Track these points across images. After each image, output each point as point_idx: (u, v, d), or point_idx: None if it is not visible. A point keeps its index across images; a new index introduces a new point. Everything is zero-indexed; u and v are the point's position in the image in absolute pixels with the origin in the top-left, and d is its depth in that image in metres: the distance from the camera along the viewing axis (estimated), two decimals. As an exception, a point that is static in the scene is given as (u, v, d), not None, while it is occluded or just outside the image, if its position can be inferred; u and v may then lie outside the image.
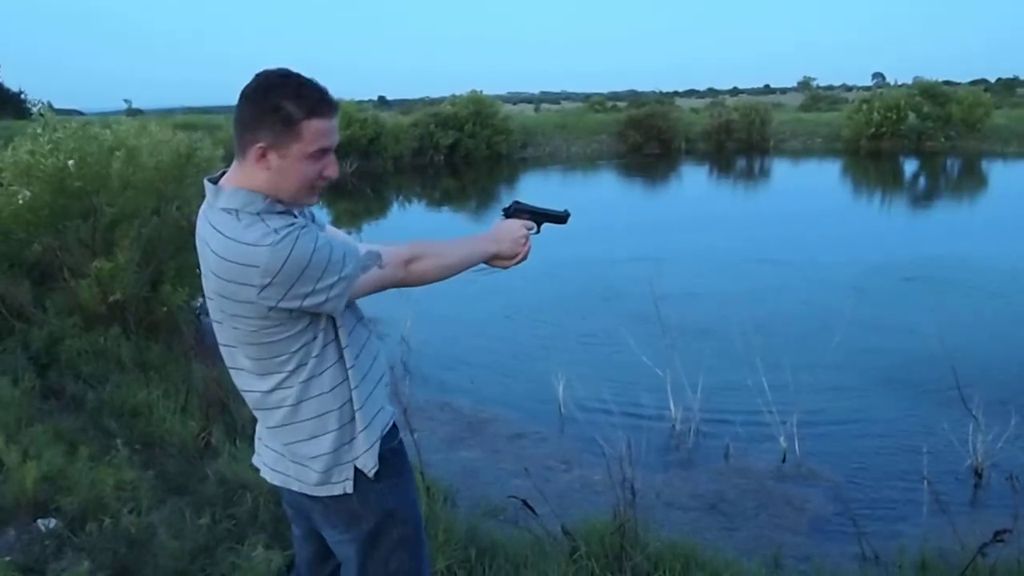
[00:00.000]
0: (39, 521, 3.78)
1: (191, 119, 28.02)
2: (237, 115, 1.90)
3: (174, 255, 6.99)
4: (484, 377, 7.23)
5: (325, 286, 1.85)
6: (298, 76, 1.89)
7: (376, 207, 21.23)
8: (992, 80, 63.69)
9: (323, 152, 1.91)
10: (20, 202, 6.37)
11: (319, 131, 1.88)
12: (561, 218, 2.40)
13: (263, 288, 1.81)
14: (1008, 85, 62.61)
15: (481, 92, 30.73)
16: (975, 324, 8.61)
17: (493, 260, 2.31)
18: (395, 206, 21.75)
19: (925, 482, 4.77)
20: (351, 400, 2.03)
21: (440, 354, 7.72)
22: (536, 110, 53.84)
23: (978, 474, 5.28)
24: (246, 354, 1.98)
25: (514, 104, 59.53)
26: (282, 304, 1.84)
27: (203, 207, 1.97)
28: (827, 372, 6.86)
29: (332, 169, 1.95)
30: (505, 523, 4.36)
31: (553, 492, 4.81)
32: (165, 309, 6.69)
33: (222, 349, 2.08)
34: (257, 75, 1.90)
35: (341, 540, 2.13)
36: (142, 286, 6.65)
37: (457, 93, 30.61)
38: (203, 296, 5.68)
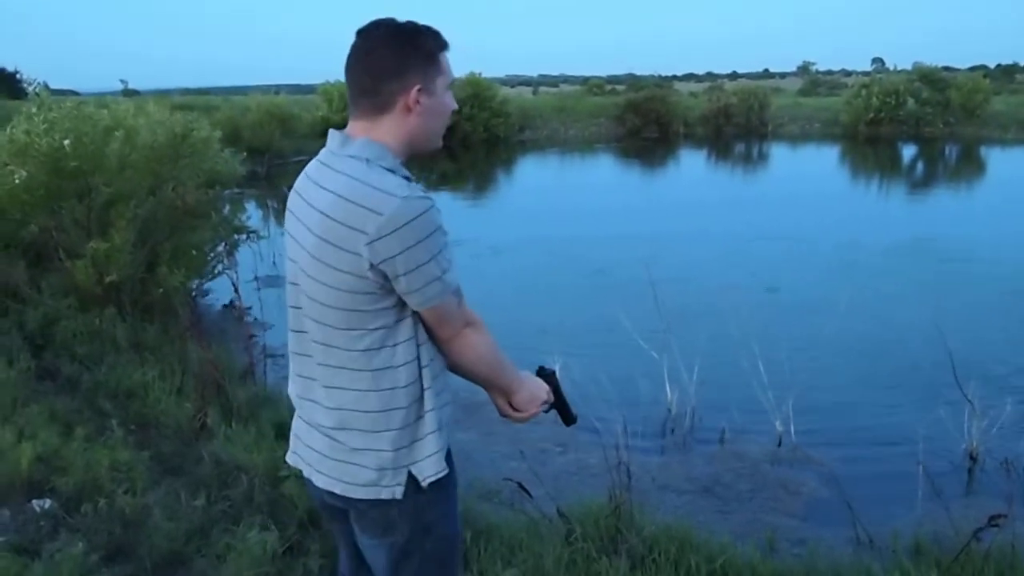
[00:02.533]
0: (34, 502, 3.79)
1: (188, 100, 27.95)
2: (368, 69, 1.86)
3: (170, 236, 6.98)
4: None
5: (425, 274, 1.77)
6: (397, 19, 1.90)
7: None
8: (991, 66, 63.59)
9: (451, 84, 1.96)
10: (16, 182, 6.35)
11: (448, 62, 1.94)
12: (570, 419, 2.27)
13: (376, 240, 1.72)
14: (1007, 71, 62.50)
15: (479, 75, 30.63)
16: (972, 308, 8.62)
17: (510, 396, 2.11)
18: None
19: (920, 466, 4.78)
20: (422, 400, 1.91)
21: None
22: (534, 93, 53.62)
23: (973, 458, 5.29)
24: (322, 317, 1.87)
25: (512, 87, 59.25)
26: (383, 266, 1.74)
27: (322, 155, 1.91)
28: (823, 356, 6.87)
29: (454, 101, 1.99)
30: (500, 506, 4.36)
31: (549, 475, 4.81)
32: (161, 290, 6.67)
33: (293, 313, 1.98)
34: (371, 27, 1.87)
35: (373, 545, 2.02)
36: (138, 267, 6.63)
37: (455, 75, 30.40)
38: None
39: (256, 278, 7.81)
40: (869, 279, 10.02)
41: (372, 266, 1.75)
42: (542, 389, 2.17)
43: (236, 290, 5.92)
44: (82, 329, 6.14)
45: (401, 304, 1.84)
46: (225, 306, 8.51)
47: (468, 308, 1.96)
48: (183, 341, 6.16)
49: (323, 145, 1.94)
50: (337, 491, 1.97)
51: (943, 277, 10.11)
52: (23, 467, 3.94)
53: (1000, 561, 3.48)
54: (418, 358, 1.89)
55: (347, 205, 1.75)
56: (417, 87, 1.85)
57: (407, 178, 1.83)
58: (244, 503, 3.90)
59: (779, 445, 5.59)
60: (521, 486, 3.88)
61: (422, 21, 1.91)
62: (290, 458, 2.13)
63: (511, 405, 2.12)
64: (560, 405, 2.23)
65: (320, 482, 2.00)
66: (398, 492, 1.91)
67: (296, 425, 2.10)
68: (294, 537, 3.57)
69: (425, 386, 1.91)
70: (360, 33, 1.88)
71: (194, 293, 8.04)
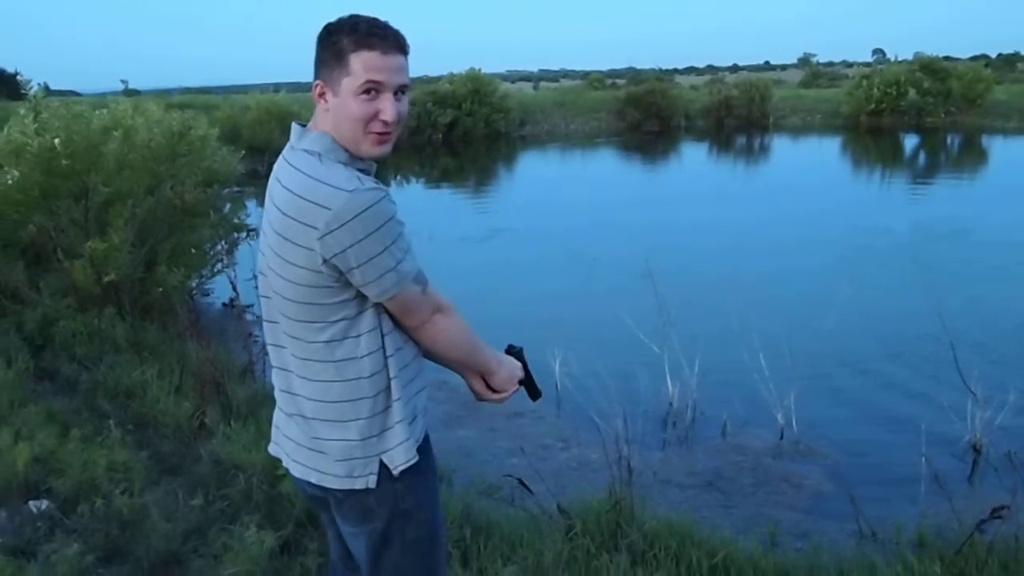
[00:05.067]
0: (31, 503, 3.77)
1: (188, 99, 27.93)
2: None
3: (169, 235, 6.96)
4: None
5: (378, 266, 1.77)
6: (361, 15, 1.86)
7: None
8: (993, 55, 63.40)
9: (373, 88, 1.82)
10: (9, 183, 6.32)
11: (368, 63, 1.81)
12: (537, 394, 2.29)
13: (326, 234, 1.73)
14: (1008, 60, 62.30)
15: (479, 70, 30.60)
16: (974, 299, 8.57)
17: (488, 377, 2.12)
18: (393, 185, 21.63)
19: (923, 459, 4.74)
20: (388, 389, 1.92)
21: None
22: (535, 88, 53.57)
23: (976, 450, 5.26)
24: (287, 311, 1.89)
25: (513, 82, 59.26)
26: (336, 260, 1.75)
27: (285, 149, 1.93)
28: (825, 348, 6.83)
29: (388, 111, 1.84)
30: (501, 502, 4.34)
31: (549, 470, 4.79)
32: (160, 290, 6.65)
33: (264, 303, 2.00)
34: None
35: (353, 533, 2.04)
36: (137, 266, 6.61)
37: (455, 71, 30.47)
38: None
39: (256, 276, 7.77)
40: (871, 269, 9.98)
41: (325, 261, 1.77)
42: (516, 367, 2.19)
43: (235, 288, 5.90)
44: (81, 329, 6.12)
45: (361, 296, 1.85)
46: (225, 304, 8.48)
47: (436, 294, 1.95)
48: (182, 340, 6.15)
49: None
50: (313, 480, 2.00)
51: (946, 267, 10.06)
52: (20, 468, 3.92)
53: (1004, 553, 3.45)
54: (383, 347, 1.91)
55: (299, 201, 1.77)
56: (318, 83, 1.87)
57: (362, 171, 1.84)
58: (242, 502, 3.88)
59: (781, 438, 5.57)
60: (521, 482, 3.86)
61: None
62: (271, 448, 2.16)
63: (489, 387, 2.14)
64: (528, 382, 2.24)
65: (296, 471, 2.04)
66: (371, 481, 1.94)
67: (276, 415, 2.12)
68: (291, 536, 3.55)
69: (392, 375, 1.92)
70: None
71: (193, 292, 8.01)
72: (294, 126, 1.93)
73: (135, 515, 3.68)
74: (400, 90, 1.87)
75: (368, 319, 1.87)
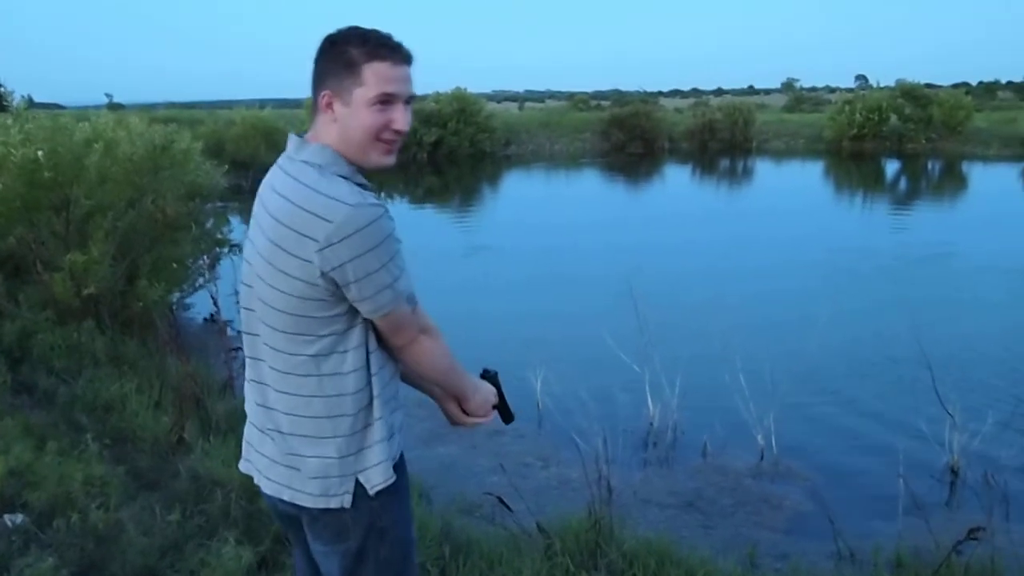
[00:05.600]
0: (5, 516, 3.71)
1: (173, 114, 27.89)
2: (312, 73, 1.89)
3: (150, 248, 6.92)
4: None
5: (376, 282, 1.76)
6: (366, 28, 1.88)
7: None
8: (973, 83, 64.18)
9: (387, 99, 1.84)
10: (-10, 194, 6.29)
11: (381, 74, 1.82)
12: (510, 417, 2.30)
13: (326, 247, 1.72)
14: (989, 88, 63.17)
15: (465, 89, 30.72)
16: (953, 323, 8.65)
17: (463, 401, 2.14)
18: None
19: (901, 480, 4.76)
20: (369, 408, 1.90)
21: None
22: (520, 108, 53.77)
23: (954, 472, 5.29)
24: (273, 322, 1.86)
25: (498, 102, 59.47)
26: (334, 273, 1.74)
27: (280, 159, 1.90)
28: (806, 371, 6.86)
29: (400, 121, 1.86)
30: (480, 520, 4.33)
31: (529, 489, 4.78)
32: (141, 304, 6.61)
33: (246, 316, 1.96)
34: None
35: (325, 552, 2.00)
36: (117, 280, 6.57)
37: (441, 90, 30.59)
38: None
39: (238, 291, 7.75)
40: (852, 293, 10.06)
41: (323, 273, 1.75)
42: (491, 392, 2.20)
43: (216, 303, 5.87)
44: (60, 342, 6.07)
45: (352, 311, 1.84)
46: (206, 319, 8.45)
47: (424, 314, 1.95)
48: (162, 355, 6.11)
49: None
50: (285, 497, 1.96)
51: (926, 291, 10.14)
52: (-5, 482, 3.87)
53: (980, 574, 3.48)
54: (367, 365, 1.89)
55: (297, 211, 1.76)
56: (326, 92, 1.85)
57: (361, 185, 1.83)
58: (220, 518, 3.85)
59: (761, 459, 5.58)
60: (501, 500, 3.85)
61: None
62: (242, 465, 2.11)
63: (463, 411, 2.15)
64: (502, 406, 2.25)
65: (269, 488, 2.00)
66: (346, 500, 1.91)
67: (248, 431, 2.08)
68: (269, 552, 3.53)
69: (375, 394, 1.90)
70: None
71: (174, 306, 7.97)
72: (291, 136, 1.92)
73: (111, 530, 3.64)
74: (408, 100, 1.89)
75: (356, 335, 1.86)
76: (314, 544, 2.03)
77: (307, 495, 1.92)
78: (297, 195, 1.77)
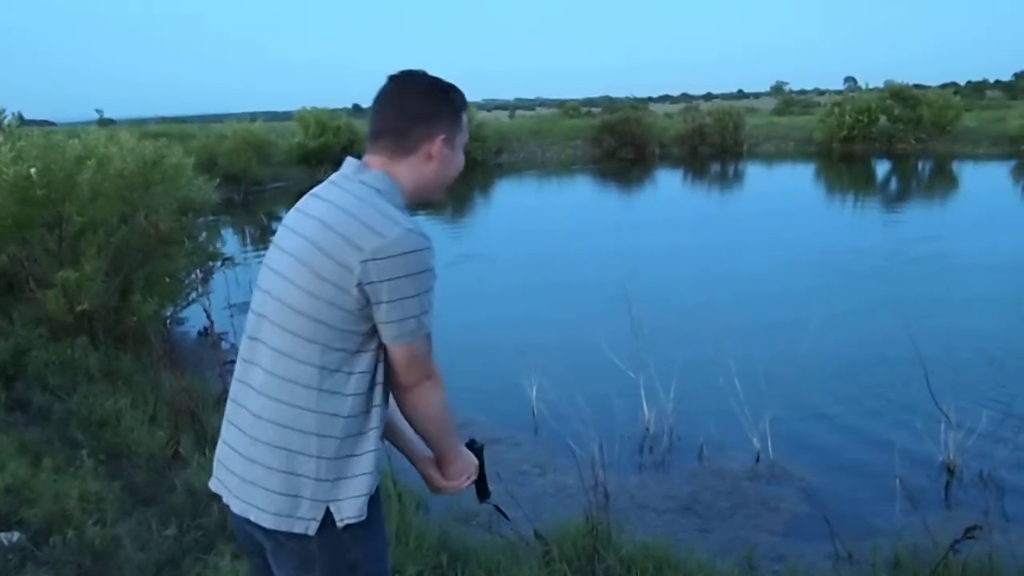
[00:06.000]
0: (1, 535, 3.70)
1: (164, 128, 27.87)
2: (401, 111, 1.94)
3: (143, 264, 6.92)
4: (456, 382, 7.14)
5: (407, 308, 1.78)
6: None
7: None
8: (962, 83, 64.44)
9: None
10: (-18, 212, 6.29)
11: (467, 123, 2.04)
12: (485, 494, 2.28)
13: (370, 260, 1.73)
14: (977, 88, 63.44)
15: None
16: (946, 322, 8.68)
17: (445, 464, 2.09)
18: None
19: (898, 480, 4.79)
20: (361, 437, 1.85)
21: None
22: (511, 116, 53.86)
23: (950, 471, 5.30)
24: (286, 322, 1.82)
25: (489, 111, 59.49)
26: (369, 288, 1.75)
27: (336, 176, 1.93)
28: (799, 372, 6.88)
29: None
30: (478, 528, 4.33)
31: (526, 496, 4.77)
32: (134, 319, 6.61)
33: (253, 320, 1.91)
34: (407, 73, 1.98)
35: None
36: (110, 296, 6.57)
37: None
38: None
39: (231, 305, 7.75)
40: (845, 294, 10.08)
41: (359, 284, 1.75)
42: (473, 463, 2.15)
43: (209, 317, 5.87)
44: (54, 359, 6.06)
45: (367, 335, 1.82)
46: (200, 333, 8.43)
47: (433, 363, 1.93)
48: (156, 369, 6.10)
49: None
50: (251, 518, 1.86)
51: (919, 291, 10.17)
52: (-9, 500, 3.87)
53: (978, 572, 3.49)
54: (371, 394, 1.86)
55: (349, 219, 1.78)
56: (443, 137, 1.94)
57: (408, 217, 1.87)
58: (217, 531, 3.84)
59: (757, 461, 5.59)
60: (498, 508, 3.83)
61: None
62: (212, 484, 2.02)
63: (442, 474, 2.10)
64: (480, 480, 2.22)
65: (236, 508, 1.90)
66: (311, 527, 1.83)
67: (220, 450, 2.00)
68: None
69: (373, 425, 1.87)
70: (395, 78, 1.96)
71: (168, 321, 7.97)
72: (350, 159, 1.95)
73: (108, 546, 3.64)
74: None
75: (365, 361, 1.83)
76: (278, 572, 1.93)
77: (271, 515, 1.83)
78: (352, 205, 1.81)
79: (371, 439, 1.87)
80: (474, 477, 2.17)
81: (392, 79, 1.96)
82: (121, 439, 4.95)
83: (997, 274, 10.85)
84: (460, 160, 2.04)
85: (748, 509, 5.02)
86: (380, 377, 1.87)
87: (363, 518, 1.86)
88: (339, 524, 1.84)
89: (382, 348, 1.85)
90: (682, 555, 3.80)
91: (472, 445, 2.19)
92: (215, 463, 2.02)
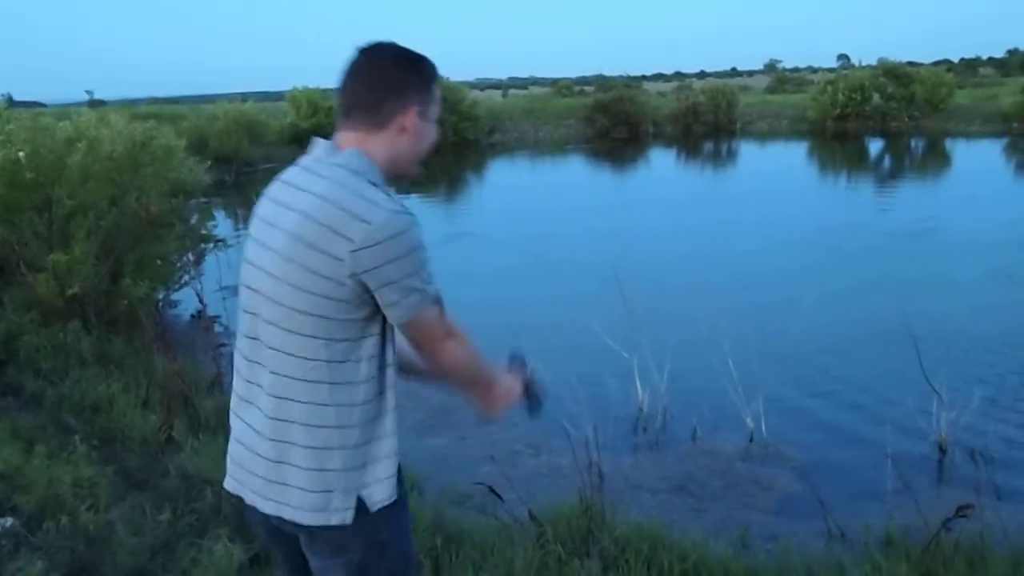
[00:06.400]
0: (-5, 520, 3.71)
1: (155, 110, 27.72)
2: (371, 84, 1.88)
3: (134, 246, 6.89)
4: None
5: (408, 286, 1.76)
6: None
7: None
8: (955, 60, 64.40)
9: None
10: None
11: (439, 94, 1.99)
12: (537, 407, 2.28)
13: (361, 249, 1.71)
14: (970, 65, 63.44)
15: (448, 78, 30.64)
16: (938, 299, 8.69)
17: (485, 393, 2.13)
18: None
19: (890, 459, 4.79)
20: (379, 421, 1.86)
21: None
22: (504, 96, 53.67)
23: (942, 450, 5.32)
24: (285, 321, 1.80)
25: (482, 90, 59.32)
26: (365, 277, 1.73)
27: (305, 160, 1.89)
28: (792, 351, 6.89)
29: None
30: (472, 510, 4.33)
31: (520, 477, 4.79)
32: (126, 302, 6.58)
33: (246, 319, 1.90)
34: (376, 45, 1.91)
35: (326, 567, 1.93)
36: (101, 279, 6.55)
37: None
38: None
39: (223, 287, 7.74)
40: (838, 273, 10.10)
41: (352, 274, 1.73)
42: (513, 387, 2.19)
43: (201, 300, 5.85)
44: (45, 343, 6.04)
45: (368, 320, 1.81)
46: (193, 316, 8.41)
47: (449, 319, 1.94)
48: (149, 353, 6.09)
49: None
50: (285, 516, 1.88)
51: (909, 269, 10.19)
52: (-17, 486, 3.86)
53: (969, 550, 3.50)
54: (382, 376, 1.86)
55: (332, 209, 1.74)
56: (416, 109, 1.90)
57: (388, 195, 1.82)
58: (211, 516, 3.85)
59: (751, 441, 5.60)
60: (492, 490, 3.85)
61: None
62: (228, 484, 2.02)
63: (490, 402, 2.15)
64: (528, 395, 2.23)
65: (267, 508, 1.91)
66: (348, 516, 1.84)
67: (233, 449, 1.99)
68: (261, 549, 3.52)
69: (389, 407, 1.87)
70: (364, 50, 1.90)
71: (160, 304, 7.95)
72: (319, 141, 1.91)
73: (101, 531, 3.64)
74: None
75: (370, 345, 1.83)
76: (314, 559, 1.96)
77: (307, 512, 1.85)
78: (334, 194, 1.75)
79: (389, 421, 1.88)
80: (519, 396, 2.20)
81: (361, 51, 1.90)
82: (114, 424, 4.95)
83: (989, 252, 10.86)
84: (434, 132, 1.99)
85: (741, 488, 5.03)
86: (389, 358, 1.88)
87: (395, 498, 1.90)
88: (372, 509, 1.87)
89: (385, 329, 1.85)
90: (676, 535, 3.80)
91: (514, 360, 2.25)
92: (229, 463, 2.02)
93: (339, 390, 1.81)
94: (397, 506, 1.94)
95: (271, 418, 1.87)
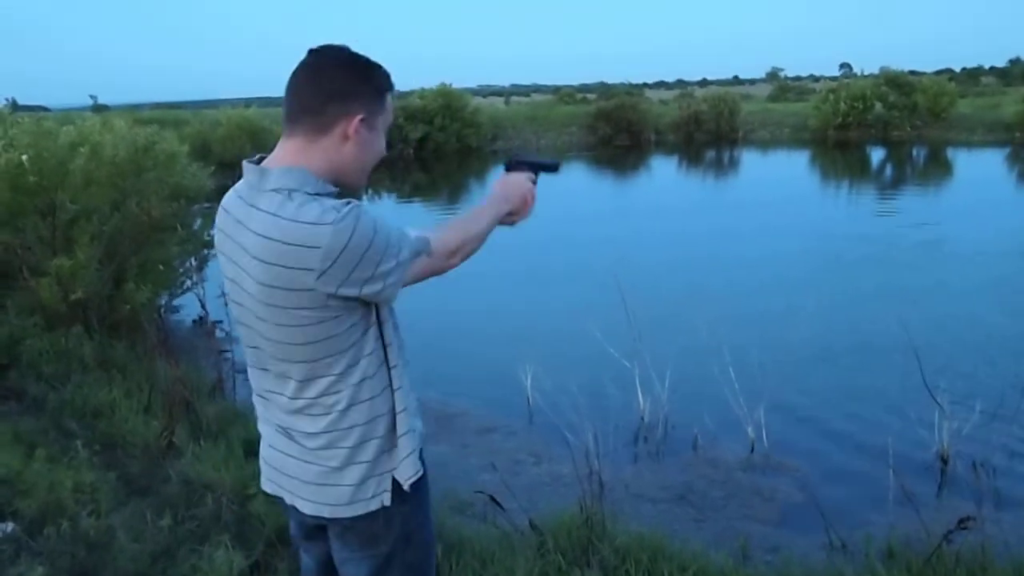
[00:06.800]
0: (-5, 525, 3.71)
1: (158, 114, 27.78)
2: (317, 87, 1.81)
3: (136, 251, 6.89)
4: (451, 371, 7.19)
5: (384, 271, 1.75)
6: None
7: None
8: (957, 70, 64.42)
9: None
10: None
11: (392, 106, 1.93)
12: (554, 167, 2.43)
13: (323, 273, 1.69)
14: (972, 74, 63.43)
15: (450, 85, 30.69)
16: (940, 309, 8.68)
17: (507, 216, 2.23)
18: (364, 200, 21.59)
19: (891, 470, 4.79)
20: (395, 403, 1.91)
21: (406, 347, 7.63)
22: (506, 103, 53.72)
23: (944, 461, 5.31)
24: (290, 356, 1.83)
25: (484, 97, 59.37)
26: (341, 291, 1.72)
27: (240, 190, 1.85)
28: (794, 361, 6.89)
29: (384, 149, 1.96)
30: (472, 519, 4.32)
31: (521, 486, 4.79)
32: (128, 307, 6.58)
33: (250, 352, 1.94)
34: (326, 48, 1.84)
35: (354, 559, 1.99)
36: (104, 284, 6.55)
37: (426, 86, 30.56)
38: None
39: (225, 293, 7.73)
40: (839, 282, 10.10)
41: (330, 295, 1.73)
42: (522, 179, 2.29)
43: (203, 305, 5.86)
44: (48, 348, 6.05)
45: (362, 319, 1.83)
46: (195, 321, 8.42)
47: (440, 237, 1.99)
48: (151, 358, 6.08)
49: None
50: (326, 515, 1.95)
51: (911, 278, 10.17)
52: (-16, 491, 3.86)
53: (971, 563, 3.49)
54: (386, 361, 1.90)
55: (281, 247, 1.71)
56: (360, 116, 1.82)
57: (331, 195, 1.79)
58: (212, 522, 3.84)
59: (752, 451, 5.60)
60: (493, 499, 3.86)
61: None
62: (266, 486, 2.08)
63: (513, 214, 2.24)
64: (541, 168, 2.38)
65: (307, 509, 1.97)
66: (386, 499, 1.92)
67: (267, 453, 2.06)
68: (262, 557, 3.52)
69: (395, 387, 1.92)
70: (314, 52, 1.84)
71: (163, 309, 7.95)
72: (248, 166, 1.85)
73: (102, 537, 3.63)
74: None
75: (370, 340, 1.86)
76: (342, 552, 2.02)
77: (346, 506, 1.91)
78: (277, 231, 1.71)
79: (401, 399, 1.93)
80: (531, 187, 2.29)
81: (311, 52, 1.84)
82: (116, 429, 4.94)
83: (991, 261, 10.88)
84: (381, 144, 1.92)
85: (742, 499, 5.02)
86: (388, 338, 1.91)
87: (421, 473, 1.97)
88: (405, 486, 1.93)
89: (379, 313, 1.88)
90: (676, 545, 3.80)
91: (511, 163, 2.36)
92: (263, 464, 2.08)
93: (358, 391, 1.86)
94: (423, 494, 2.02)
95: (303, 432, 1.92)
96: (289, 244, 1.70)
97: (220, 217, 1.89)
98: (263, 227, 1.74)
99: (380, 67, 1.87)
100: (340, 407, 1.85)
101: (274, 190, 1.76)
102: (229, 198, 1.88)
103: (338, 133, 1.82)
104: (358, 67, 1.84)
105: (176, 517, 3.84)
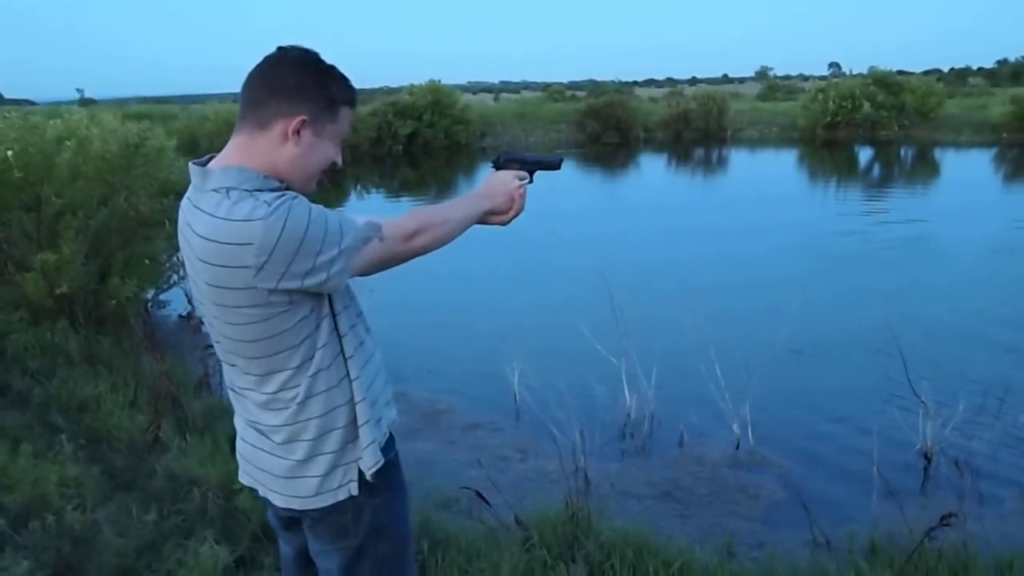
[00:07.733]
0: (-20, 520, 3.69)
1: (146, 109, 27.69)
2: (265, 81, 1.81)
3: (123, 246, 6.87)
4: (438, 367, 7.20)
5: (325, 261, 1.74)
6: (330, 63, 1.89)
7: (334, 197, 21.03)
8: (945, 70, 64.74)
9: (342, 139, 1.93)
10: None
11: (349, 118, 1.91)
12: (554, 165, 2.33)
13: (260, 268, 1.69)
14: (960, 75, 63.74)
15: (440, 81, 30.65)
16: (924, 308, 8.73)
17: (489, 217, 2.19)
18: (353, 196, 21.56)
19: (875, 468, 4.82)
20: (353, 393, 1.92)
21: (393, 343, 7.61)
22: (495, 99, 53.71)
23: (927, 459, 5.34)
24: (246, 352, 1.85)
25: (474, 94, 59.42)
26: (282, 285, 1.72)
27: (188, 193, 1.85)
28: (779, 359, 6.90)
29: (339, 157, 1.93)
30: (458, 515, 4.34)
31: (507, 482, 4.81)
32: (114, 302, 6.56)
33: (217, 347, 1.97)
34: (290, 48, 1.83)
35: (326, 551, 2.02)
36: (90, 279, 6.52)
37: (415, 82, 30.51)
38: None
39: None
40: (825, 281, 10.14)
41: (271, 290, 1.74)
42: (508, 178, 2.25)
43: (189, 300, 5.84)
44: (33, 342, 6.03)
45: (316, 307, 1.84)
46: (181, 316, 8.38)
47: (396, 221, 1.95)
48: (137, 353, 6.08)
49: None
50: (295, 507, 1.98)
51: (896, 277, 10.22)
52: (-31, 485, 3.85)
53: (953, 559, 3.52)
54: (342, 352, 1.91)
55: (219, 248, 1.72)
56: (303, 118, 1.81)
57: (273, 190, 1.77)
58: (197, 517, 3.85)
59: (737, 449, 5.62)
60: (479, 494, 3.86)
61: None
62: (243, 479, 2.12)
63: (499, 213, 2.21)
64: (536, 166, 2.30)
65: (278, 501, 2.01)
66: (353, 488, 1.94)
67: (241, 447, 2.09)
68: (247, 551, 3.53)
69: (353, 377, 1.92)
70: (280, 49, 1.84)
71: (149, 304, 7.92)
72: (193, 168, 1.85)
73: (87, 531, 3.63)
74: None
75: (324, 331, 1.86)
76: (315, 544, 2.05)
77: (313, 498, 1.94)
78: (212, 231, 1.72)
79: (359, 389, 1.93)
80: (526, 179, 2.27)
81: (277, 49, 1.84)
82: (101, 424, 4.94)
83: (977, 260, 10.95)
84: (329, 153, 1.89)
85: (727, 496, 5.05)
86: (343, 329, 1.91)
87: (381, 463, 1.96)
88: (368, 476, 1.94)
89: (332, 303, 1.87)
90: (661, 541, 3.82)
91: (499, 162, 2.31)
92: (239, 458, 2.11)
93: (315, 382, 1.87)
94: (396, 490, 2.05)
95: (270, 426, 1.95)
96: (224, 243, 1.71)
97: (179, 220, 1.90)
98: (204, 228, 1.75)
99: (343, 79, 1.87)
100: (298, 400, 1.87)
101: (214, 190, 1.76)
102: (183, 201, 1.89)
103: (278, 131, 1.81)
104: (314, 71, 1.84)
105: (161, 512, 3.84)
